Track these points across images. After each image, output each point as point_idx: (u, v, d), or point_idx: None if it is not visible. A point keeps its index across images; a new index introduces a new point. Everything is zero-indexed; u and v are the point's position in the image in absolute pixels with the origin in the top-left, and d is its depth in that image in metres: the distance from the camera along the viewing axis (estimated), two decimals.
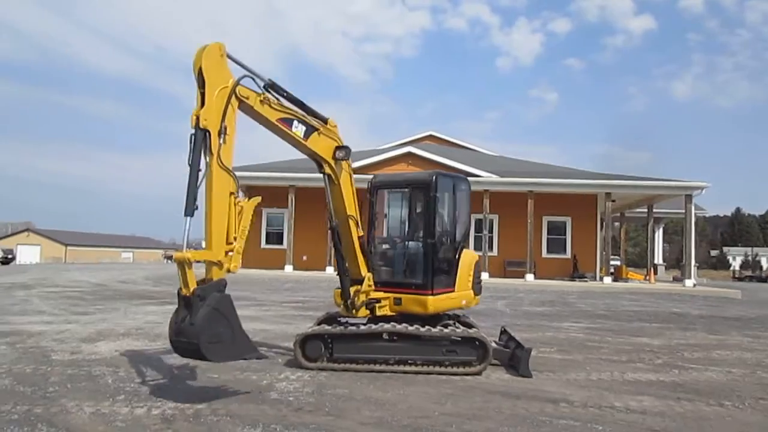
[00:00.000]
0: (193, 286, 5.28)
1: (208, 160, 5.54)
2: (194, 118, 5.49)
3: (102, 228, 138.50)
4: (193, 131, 5.49)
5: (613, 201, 29.01)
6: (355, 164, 28.04)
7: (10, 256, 39.89)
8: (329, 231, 7.27)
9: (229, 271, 5.58)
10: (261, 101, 6.18)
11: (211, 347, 5.22)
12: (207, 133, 5.50)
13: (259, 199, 6.06)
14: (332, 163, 7.03)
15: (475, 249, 24.37)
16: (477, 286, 8.01)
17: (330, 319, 7.65)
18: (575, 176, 29.24)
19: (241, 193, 5.73)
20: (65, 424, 4.76)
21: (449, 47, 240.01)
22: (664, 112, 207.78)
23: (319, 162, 7.08)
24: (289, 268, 27.75)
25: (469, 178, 8.84)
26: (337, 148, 7.04)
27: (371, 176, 8.46)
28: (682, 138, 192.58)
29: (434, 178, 7.49)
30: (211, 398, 5.59)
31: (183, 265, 5.23)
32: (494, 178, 27.75)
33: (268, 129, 6.51)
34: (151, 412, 5.10)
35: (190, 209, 5.33)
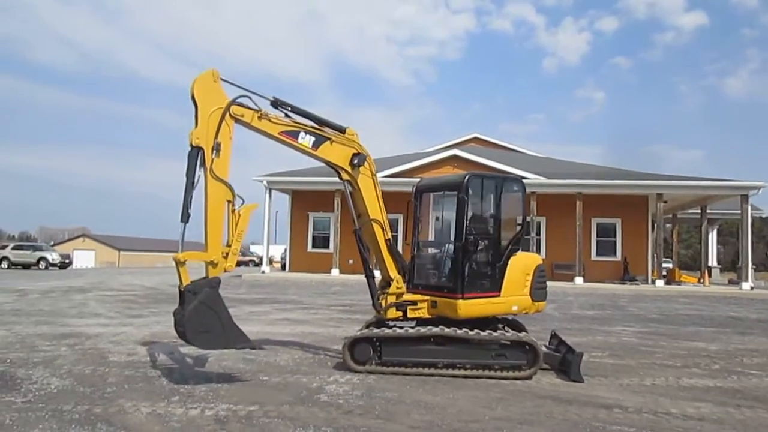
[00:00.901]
0: (186, 282, 5.99)
1: (203, 173, 6.17)
2: (190, 136, 6.16)
3: (154, 233, 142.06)
4: (189, 149, 6.16)
5: (665, 202, 28.22)
6: (400, 168, 28.44)
7: (67, 261, 41.08)
8: (353, 234, 7.53)
9: (225, 270, 6.24)
10: (259, 117, 6.63)
11: (198, 336, 6.00)
12: (200, 150, 6.14)
13: (255, 205, 6.64)
14: (349, 169, 7.28)
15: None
16: (538, 292, 7.50)
17: (378, 322, 7.66)
18: (624, 177, 28.52)
19: (239, 201, 6.36)
20: (123, 424, 4.90)
21: (494, 49, 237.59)
22: (718, 109, 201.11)
23: (335, 169, 7.35)
24: (335, 272, 27.95)
25: None
26: (354, 155, 7.24)
27: (417, 180, 8.44)
28: (737, 136, 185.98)
29: (465, 179, 7.31)
30: (262, 400, 5.67)
31: (177, 264, 5.96)
32: (541, 179, 27.40)
33: (274, 141, 6.87)
34: (204, 413, 5.22)
35: (184, 216, 6.07)
